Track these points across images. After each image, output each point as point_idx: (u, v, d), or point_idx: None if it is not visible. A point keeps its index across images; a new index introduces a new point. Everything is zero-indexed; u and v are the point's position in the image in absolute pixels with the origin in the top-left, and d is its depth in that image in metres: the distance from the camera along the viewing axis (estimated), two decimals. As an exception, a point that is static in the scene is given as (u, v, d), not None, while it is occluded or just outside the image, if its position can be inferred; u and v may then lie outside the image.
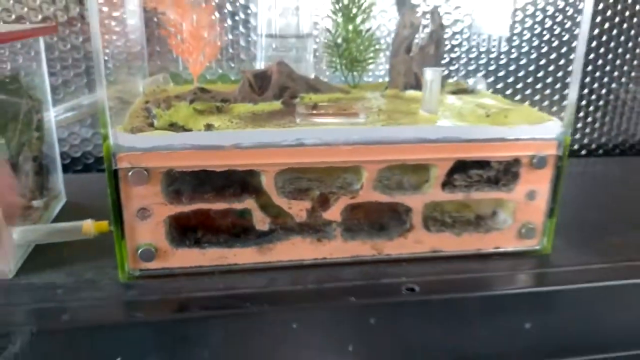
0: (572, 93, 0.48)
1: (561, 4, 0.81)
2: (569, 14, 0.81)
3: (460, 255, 0.49)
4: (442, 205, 0.50)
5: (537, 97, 0.84)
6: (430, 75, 0.48)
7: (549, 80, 0.84)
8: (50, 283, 0.44)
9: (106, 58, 0.40)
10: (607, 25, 0.84)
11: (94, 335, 0.39)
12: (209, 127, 0.43)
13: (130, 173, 0.41)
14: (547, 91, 0.84)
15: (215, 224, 0.46)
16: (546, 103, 0.85)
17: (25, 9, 0.69)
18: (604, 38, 0.84)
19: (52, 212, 0.57)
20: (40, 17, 0.70)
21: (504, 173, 0.48)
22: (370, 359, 0.43)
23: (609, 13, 0.83)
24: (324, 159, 0.44)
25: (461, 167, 0.47)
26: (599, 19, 0.83)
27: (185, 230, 0.46)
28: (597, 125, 0.89)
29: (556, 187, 0.49)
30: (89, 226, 0.47)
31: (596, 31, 0.84)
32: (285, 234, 0.46)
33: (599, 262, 0.50)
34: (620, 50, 0.85)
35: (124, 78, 0.53)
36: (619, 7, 0.83)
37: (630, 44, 0.85)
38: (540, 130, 0.47)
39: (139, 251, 0.44)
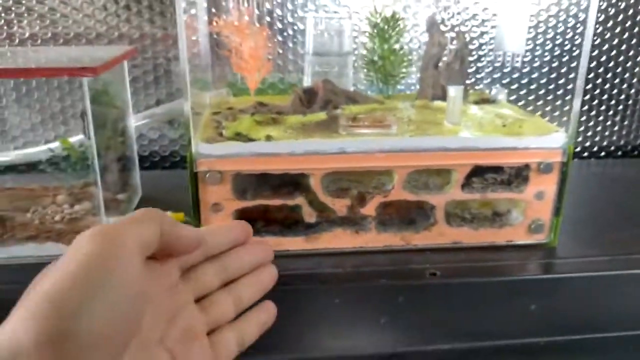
0: (576, 106, 0.55)
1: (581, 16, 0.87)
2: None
3: (477, 246, 0.58)
4: (464, 203, 0.59)
5: (558, 102, 0.91)
6: (453, 92, 0.57)
7: (569, 87, 0.91)
8: (140, 262, 0.55)
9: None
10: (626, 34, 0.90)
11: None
12: (268, 138, 0.53)
13: (207, 175, 0.51)
14: (568, 97, 0.91)
15: (272, 217, 0.56)
16: (567, 108, 0.91)
17: (105, 27, 0.80)
18: (623, 47, 0.90)
19: (132, 204, 0.68)
20: (116, 34, 0.81)
21: (516, 176, 0.57)
22: (399, 331, 0.52)
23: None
24: (361, 164, 0.53)
25: (478, 171, 0.56)
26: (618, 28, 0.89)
27: (249, 221, 0.56)
28: (616, 128, 0.95)
29: (561, 188, 0.56)
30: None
31: (615, 41, 0.90)
32: (329, 226, 0.56)
33: (601, 254, 0.58)
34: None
35: (195, 92, 0.63)
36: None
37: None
38: (547, 141, 0.55)
39: (211, 238, 0.54)
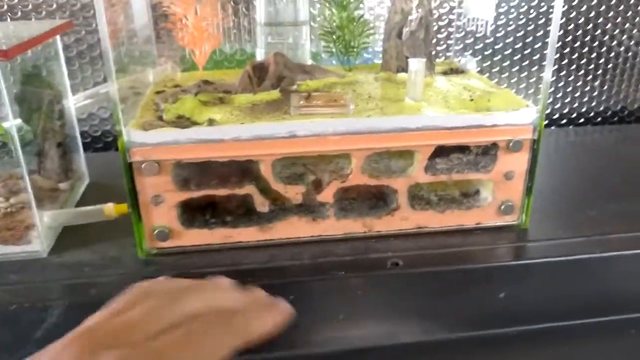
0: (547, 77, 0.51)
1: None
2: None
3: (444, 231, 0.54)
4: (428, 185, 0.55)
5: (525, 73, 0.87)
6: (414, 65, 0.52)
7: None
8: (79, 261, 0.50)
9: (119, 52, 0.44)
10: None
11: (118, 307, 0.45)
12: (211, 122, 0.48)
13: (143, 165, 0.46)
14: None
15: (221, 207, 0.51)
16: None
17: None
18: (602, 7, 0.85)
19: (77, 193, 0.63)
20: (54, 6, 0.74)
21: (483, 155, 0.52)
22: (358, 327, 0.49)
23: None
24: (314, 149, 0.49)
25: (443, 151, 0.52)
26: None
27: (195, 213, 0.51)
28: (595, 93, 0.91)
29: (532, 167, 0.52)
30: (110, 209, 0.53)
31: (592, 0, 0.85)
32: (284, 214, 0.52)
33: (574, 235, 0.54)
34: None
35: (135, 69, 0.57)
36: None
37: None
38: (516, 117, 0.50)
39: (155, 232, 0.49)
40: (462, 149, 0.52)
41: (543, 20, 0.83)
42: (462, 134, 0.50)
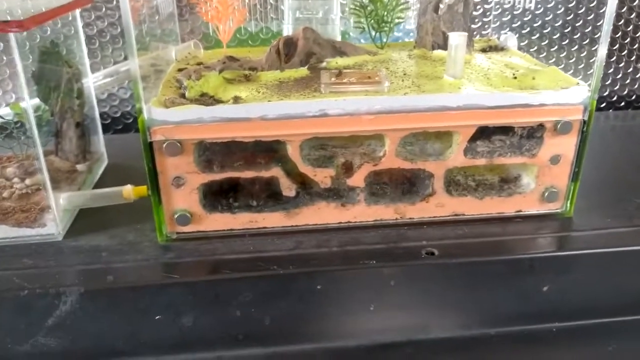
0: (601, 53, 0.46)
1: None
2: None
3: (482, 218, 0.51)
4: (466, 169, 0.51)
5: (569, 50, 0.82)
6: (455, 40, 0.48)
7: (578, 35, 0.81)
8: (95, 245, 0.48)
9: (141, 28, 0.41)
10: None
11: (135, 295, 0.43)
12: (236, 99, 0.45)
13: (164, 145, 0.44)
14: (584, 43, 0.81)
15: (245, 191, 0.49)
16: (584, 55, 0.82)
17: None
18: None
19: (95, 174, 0.60)
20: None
21: (528, 138, 0.49)
22: (390, 319, 0.46)
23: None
24: (346, 129, 0.45)
25: (484, 132, 0.48)
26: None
27: (218, 196, 0.49)
28: (638, 75, 0.86)
29: (581, 150, 0.49)
30: (129, 191, 0.51)
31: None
32: (311, 199, 0.49)
33: (623, 225, 0.50)
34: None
35: (158, 46, 0.54)
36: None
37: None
38: (566, 96, 0.46)
39: (175, 216, 0.47)
40: (506, 130, 0.48)
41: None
42: (506, 114, 0.46)
